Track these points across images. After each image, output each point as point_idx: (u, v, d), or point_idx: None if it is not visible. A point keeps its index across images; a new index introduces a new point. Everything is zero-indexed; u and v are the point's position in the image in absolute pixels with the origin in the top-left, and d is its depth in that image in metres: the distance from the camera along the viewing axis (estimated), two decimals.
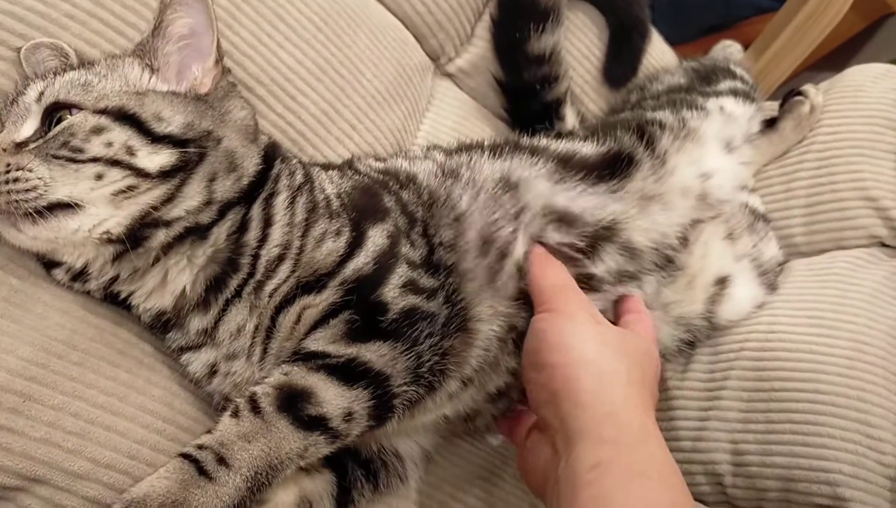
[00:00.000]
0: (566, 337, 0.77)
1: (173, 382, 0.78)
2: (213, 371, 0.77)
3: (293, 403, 0.69)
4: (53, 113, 0.71)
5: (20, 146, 0.70)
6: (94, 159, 0.70)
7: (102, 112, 0.71)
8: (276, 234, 0.77)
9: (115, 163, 0.70)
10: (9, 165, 0.68)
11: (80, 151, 0.69)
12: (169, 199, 0.73)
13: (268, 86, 0.95)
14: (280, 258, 0.76)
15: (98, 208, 0.70)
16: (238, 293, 0.76)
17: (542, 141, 1.02)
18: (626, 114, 1.22)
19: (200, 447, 0.68)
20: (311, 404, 0.70)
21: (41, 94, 0.72)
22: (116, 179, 0.70)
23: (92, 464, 0.68)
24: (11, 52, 0.77)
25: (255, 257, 0.76)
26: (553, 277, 0.85)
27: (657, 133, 1.03)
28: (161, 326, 0.78)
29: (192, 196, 0.74)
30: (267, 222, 0.77)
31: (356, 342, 0.74)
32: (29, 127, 0.71)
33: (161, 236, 0.73)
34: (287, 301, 0.76)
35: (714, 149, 1.07)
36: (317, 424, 0.70)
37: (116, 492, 0.69)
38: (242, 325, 0.76)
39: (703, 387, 1.08)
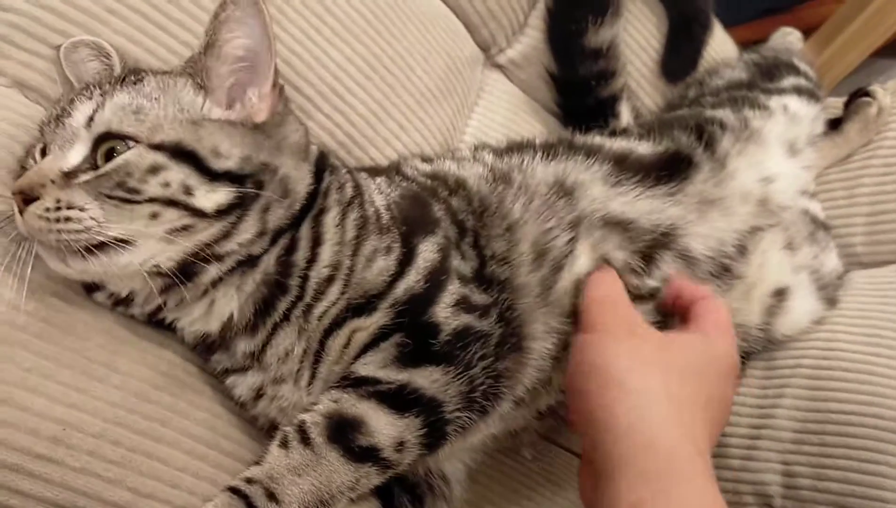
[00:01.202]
0: (601, 358, 0.72)
1: (216, 403, 0.75)
2: (258, 395, 0.74)
3: (343, 433, 0.66)
4: (103, 141, 0.67)
5: (68, 176, 0.65)
6: (151, 200, 0.66)
7: (158, 148, 0.67)
8: (326, 254, 0.73)
9: (171, 203, 0.66)
10: (59, 201, 0.64)
11: (137, 191, 0.65)
12: (224, 236, 0.69)
13: (316, 85, 0.90)
14: (330, 279, 0.72)
15: (150, 245, 0.66)
16: (286, 317, 0.72)
17: (597, 139, 0.98)
18: (683, 111, 1.17)
19: (249, 480, 0.65)
20: (362, 434, 0.66)
21: (90, 119, 0.67)
22: (172, 218, 0.66)
23: (133, 494, 0.66)
24: (51, 51, 0.73)
25: (304, 278, 0.72)
26: (597, 290, 0.80)
27: (717, 134, 0.97)
28: (206, 348, 0.74)
29: (247, 230, 0.70)
30: (316, 242, 0.73)
31: (407, 366, 0.70)
32: (77, 155, 0.67)
33: (213, 272, 0.70)
34: (336, 324, 0.72)
35: (777, 152, 1.02)
36: (368, 455, 0.66)
37: None
38: (290, 349, 0.73)
39: (755, 403, 1.04)
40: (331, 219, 0.75)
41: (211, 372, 0.76)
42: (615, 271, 0.84)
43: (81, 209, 0.64)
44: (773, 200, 0.98)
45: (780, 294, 1.01)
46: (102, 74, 0.73)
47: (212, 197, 0.67)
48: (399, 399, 0.69)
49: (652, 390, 0.68)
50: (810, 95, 1.13)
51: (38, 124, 0.71)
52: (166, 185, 0.66)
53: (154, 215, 0.66)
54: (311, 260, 0.73)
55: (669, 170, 0.91)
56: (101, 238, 0.64)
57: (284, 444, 0.66)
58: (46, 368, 0.64)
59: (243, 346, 0.73)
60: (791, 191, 1.01)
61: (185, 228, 0.67)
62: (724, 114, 1.04)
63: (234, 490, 0.65)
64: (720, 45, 1.34)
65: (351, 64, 0.94)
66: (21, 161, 0.70)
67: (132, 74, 0.71)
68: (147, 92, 0.69)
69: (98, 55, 0.74)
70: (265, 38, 0.70)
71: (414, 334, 0.71)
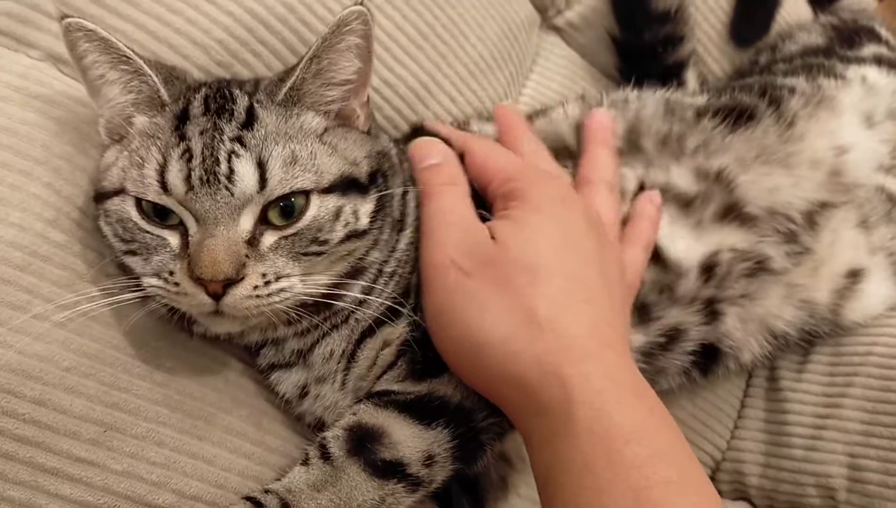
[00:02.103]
0: None
1: (261, 399, 0.72)
2: (303, 393, 0.71)
3: (364, 445, 0.63)
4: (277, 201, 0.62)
5: (251, 244, 0.61)
6: (339, 243, 0.64)
7: (329, 190, 0.63)
8: (401, 247, 0.71)
9: (349, 236, 0.65)
10: (265, 275, 0.60)
11: (327, 242, 0.63)
12: (373, 244, 0.69)
13: None
14: (391, 275, 0.70)
15: (322, 278, 0.65)
16: (346, 318, 0.70)
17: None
18: (753, 78, 1.10)
19: (267, 491, 0.62)
20: (384, 446, 0.63)
21: (262, 182, 0.60)
22: (346, 248, 0.65)
23: (178, 497, 0.63)
24: None
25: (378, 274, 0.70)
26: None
27: (785, 95, 0.92)
28: (259, 344, 0.71)
29: (384, 232, 0.70)
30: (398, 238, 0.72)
31: (425, 378, 0.67)
32: (249, 219, 0.61)
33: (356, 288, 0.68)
34: (369, 331, 0.69)
35: (852, 121, 0.95)
36: (393, 470, 0.62)
37: None
38: (336, 348, 0.70)
39: (821, 391, 0.98)
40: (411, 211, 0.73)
41: (255, 367, 0.73)
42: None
43: (289, 276, 0.61)
44: (847, 172, 0.92)
45: (854, 276, 0.95)
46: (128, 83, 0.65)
47: (367, 209, 0.66)
48: (423, 409, 0.65)
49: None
50: (891, 65, 1.05)
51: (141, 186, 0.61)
52: (346, 223, 0.64)
53: (338, 254, 0.64)
54: (388, 256, 0.70)
55: (726, 117, 0.87)
56: (314, 298, 0.64)
57: (306, 461, 0.64)
58: (86, 366, 0.61)
59: (293, 344, 0.70)
60: (866, 165, 0.94)
61: (350, 252, 0.66)
62: (797, 81, 0.97)
63: (250, 499, 0.62)
64: (794, 6, 1.24)
65: (401, 33, 0.87)
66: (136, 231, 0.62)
67: (248, 115, 0.63)
68: (281, 132, 0.63)
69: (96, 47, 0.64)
70: (371, 57, 0.66)
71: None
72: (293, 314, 0.65)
